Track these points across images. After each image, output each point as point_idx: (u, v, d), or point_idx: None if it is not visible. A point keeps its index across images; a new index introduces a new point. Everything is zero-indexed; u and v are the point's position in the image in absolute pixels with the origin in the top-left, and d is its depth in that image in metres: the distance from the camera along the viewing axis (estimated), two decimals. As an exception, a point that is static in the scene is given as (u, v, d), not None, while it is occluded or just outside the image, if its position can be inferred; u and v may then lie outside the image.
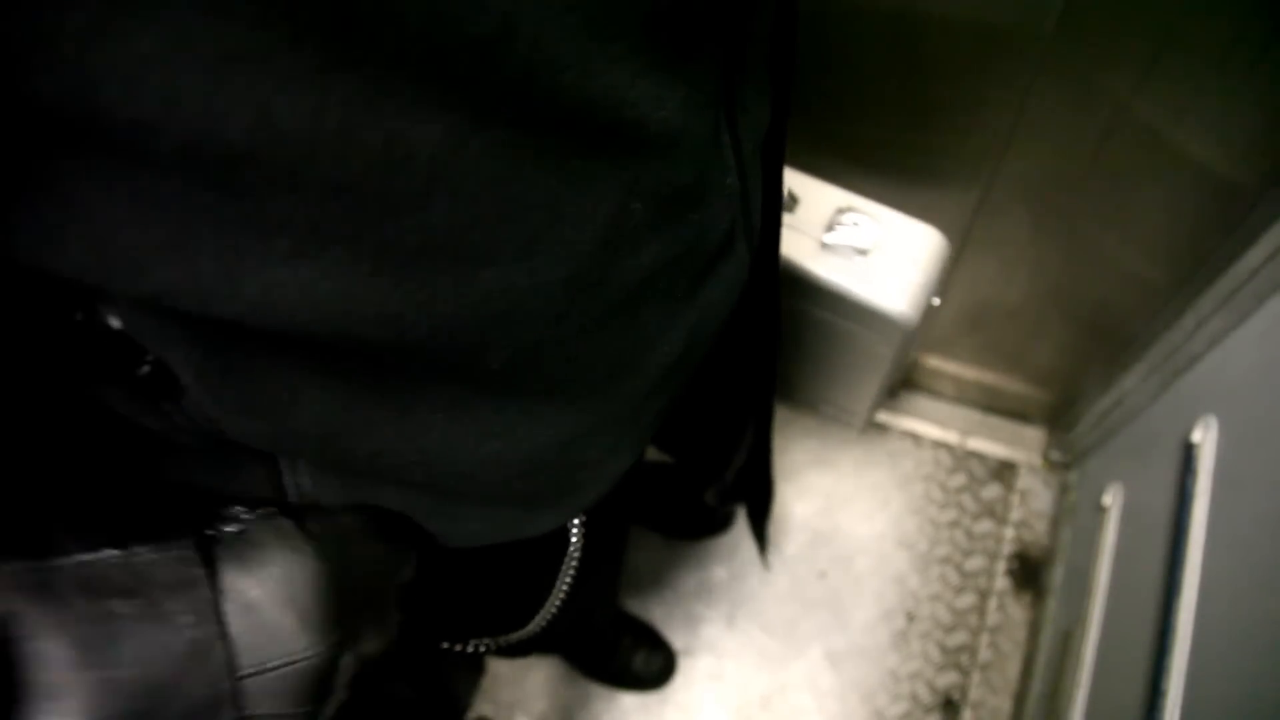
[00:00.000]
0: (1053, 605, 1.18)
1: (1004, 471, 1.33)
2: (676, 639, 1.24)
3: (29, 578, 0.25)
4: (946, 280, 0.76)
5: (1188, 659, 0.72)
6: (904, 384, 1.36)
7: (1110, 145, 0.80)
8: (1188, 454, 0.80)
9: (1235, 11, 0.64)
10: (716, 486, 0.87)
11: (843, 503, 1.32)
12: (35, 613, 0.25)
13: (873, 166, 0.73)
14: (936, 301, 0.74)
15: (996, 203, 0.93)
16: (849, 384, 0.85)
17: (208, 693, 0.28)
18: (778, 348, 0.60)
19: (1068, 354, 1.16)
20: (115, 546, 0.27)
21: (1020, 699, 1.19)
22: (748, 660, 1.24)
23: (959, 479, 1.33)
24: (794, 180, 0.73)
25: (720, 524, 1.30)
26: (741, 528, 1.31)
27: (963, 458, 1.34)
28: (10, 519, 0.26)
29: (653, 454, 1.27)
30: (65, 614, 0.25)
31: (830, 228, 0.71)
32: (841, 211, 0.72)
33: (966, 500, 1.32)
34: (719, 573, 1.29)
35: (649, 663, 1.21)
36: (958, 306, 1.14)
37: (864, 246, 0.71)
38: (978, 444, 1.35)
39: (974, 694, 1.22)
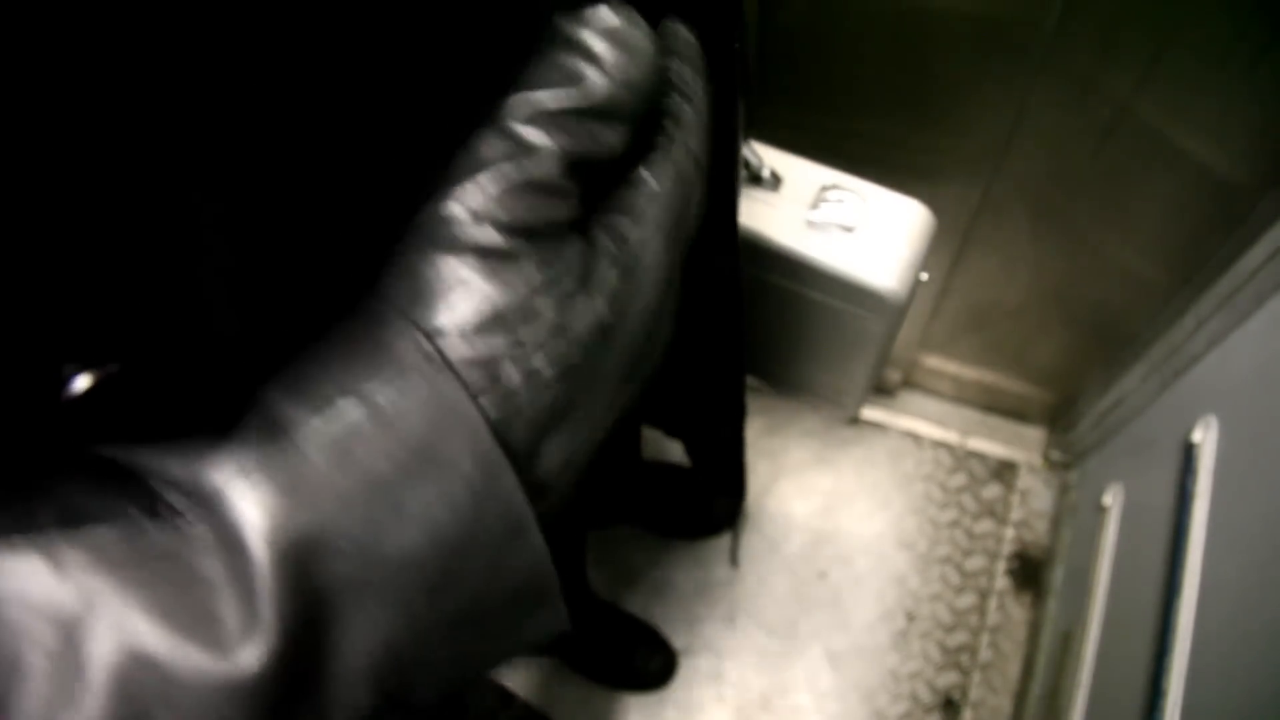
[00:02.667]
0: (1053, 605, 1.18)
1: (1004, 471, 1.33)
2: (676, 639, 1.24)
3: None
4: (934, 256, 0.75)
5: (1188, 659, 0.72)
6: (904, 384, 1.36)
7: (1110, 145, 0.80)
8: (1188, 454, 0.80)
9: (1235, 12, 0.64)
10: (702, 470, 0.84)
11: (843, 503, 1.32)
12: None
13: (872, 166, 0.73)
14: (924, 276, 0.73)
15: (996, 202, 0.93)
16: (840, 365, 0.84)
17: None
18: (744, 331, 0.59)
19: (1068, 354, 1.16)
20: None
21: (1020, 699, 1.19)
22: (748, 660, 1.24)
23: (959, 479, 1.33)
24: (777, 159, 0.73)
25: (720, 524, 1.30)
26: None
27: (963, 458, 1.34)
28: None
29: (651, 453, 1.28)
30: None
31: (815, 206, 0.71)
32: (826, 189, 0.71)
33: (966, 500, 1.32)
34: (719, 573, 1.29)
35: (649, 663, 1.21)
36: (958, 306, 1.14)
37: (850, 224, 0.70)
38: (978, 444, 1.35)
39: (974, 694, 1.22)
